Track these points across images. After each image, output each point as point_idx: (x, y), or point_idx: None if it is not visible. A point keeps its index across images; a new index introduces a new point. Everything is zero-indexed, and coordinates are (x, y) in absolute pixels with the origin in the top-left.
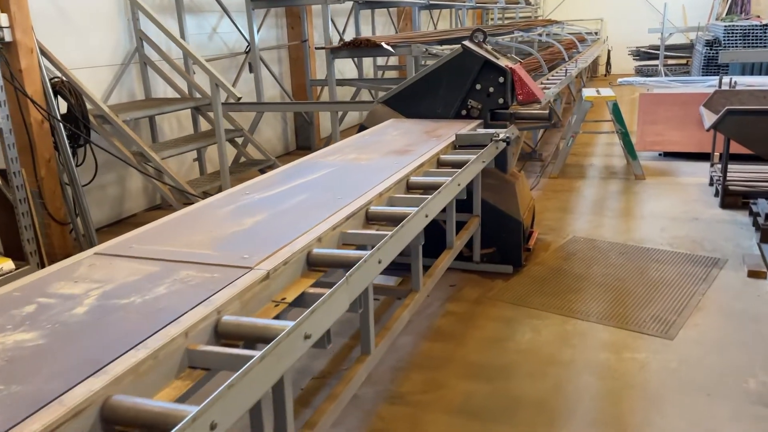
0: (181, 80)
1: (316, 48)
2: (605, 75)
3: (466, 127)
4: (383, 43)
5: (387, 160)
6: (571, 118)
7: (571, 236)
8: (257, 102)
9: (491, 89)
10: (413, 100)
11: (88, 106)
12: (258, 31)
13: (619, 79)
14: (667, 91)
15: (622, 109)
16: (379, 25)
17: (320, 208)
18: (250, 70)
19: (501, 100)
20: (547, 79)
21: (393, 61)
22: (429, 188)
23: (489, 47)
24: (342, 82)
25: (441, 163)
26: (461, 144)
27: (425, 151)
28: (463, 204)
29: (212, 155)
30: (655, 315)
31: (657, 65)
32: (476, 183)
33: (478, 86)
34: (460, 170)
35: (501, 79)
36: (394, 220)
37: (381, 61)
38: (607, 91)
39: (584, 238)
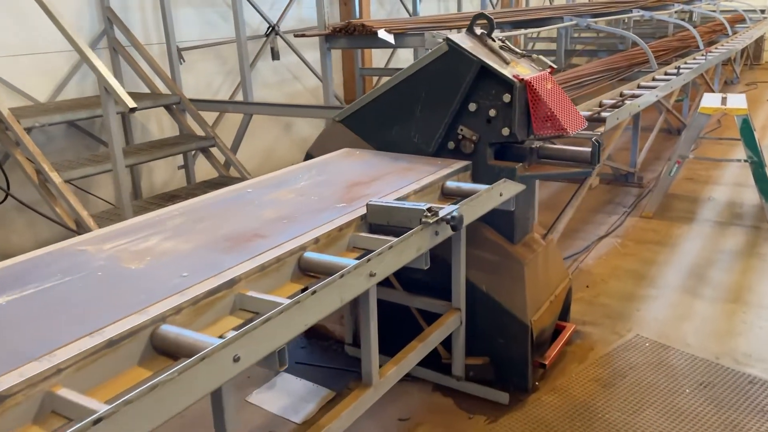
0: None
1: (295, 35)
2: None
3: (441, 171)
4: (381, 30)
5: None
6: (683, 135)
7: (633, 334)
8: (212, 100)
9: (492, 112)
10: (381, 123)
11: None
12: (286, 8)
13: None
14: None
15: None
16: (467, 2)
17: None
18: (274, 57)
19: (506, 131)
20: (665, 73)
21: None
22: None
23: (500, 43)
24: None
25: (302, 268)
26: (374, 221)
27: (320, 223)
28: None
29: (202, 164)
30: None
31: None
32: (456, 257)
33: (472, 106)
34: (322, 282)
35: (506, 97)
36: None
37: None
38: (737, 100)
39: (652, 342)
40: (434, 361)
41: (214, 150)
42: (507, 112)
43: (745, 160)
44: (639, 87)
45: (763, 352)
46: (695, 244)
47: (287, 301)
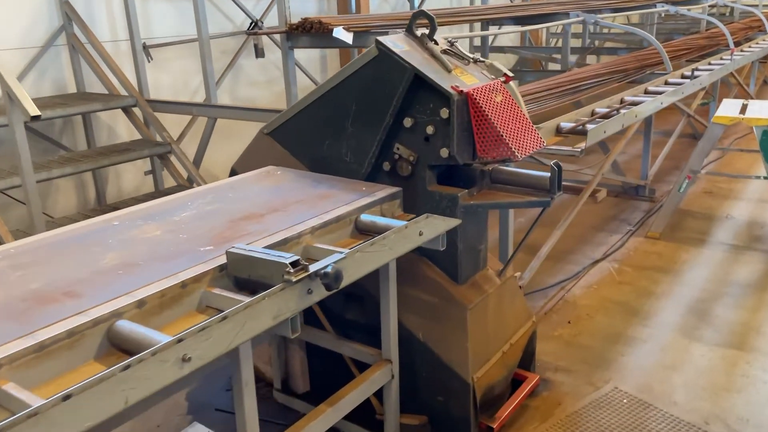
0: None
1: (248, 33)
2: None
3: (361, 200)
4: (339, 29)
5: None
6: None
7: (611, 387)
8: (173, 101)
9: (430, 129)
10: (311, 137)
11: None
12: (271, 3)
13: None
14: None
15: None
16: None
17: None
18: (257, 54)
19: (445, 152)
20: (681, 76)
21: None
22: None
23: (446, 46)
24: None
25: (113, 341)
26: (237, 273)
27: (160, 276)
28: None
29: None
30: None
31: None
32: (386, 301)
33: (407, 121)
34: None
35: (444, 112)
36: None
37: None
38: (760, 107)
39: (631, 398)
40: (367, 416)
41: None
42: (446, 130)
43: (765, 177)
44: (646, 92)
45: (763, 417)
46: (703, 272)
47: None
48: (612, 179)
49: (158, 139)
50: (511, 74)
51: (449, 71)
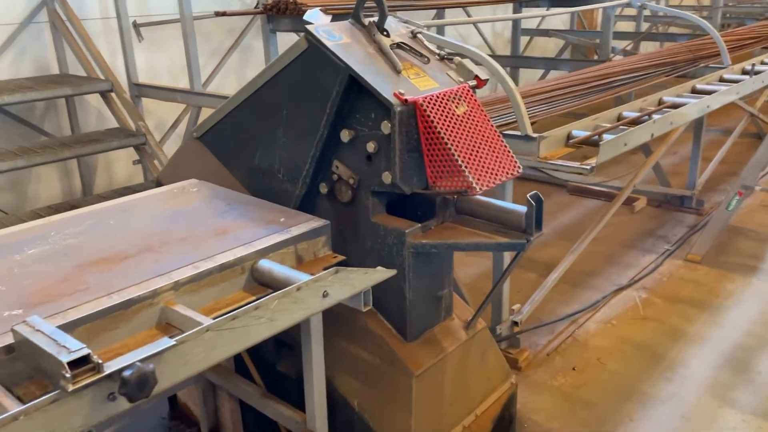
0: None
1: (216, 14)
2: None
3: (268, 239)
4: (314, 11)
5: None
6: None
7: None
8: (157, 86)
9: (371, 146)
10: (242, 146)
11: None
12: None
13: None
14: None
15: None
16: None
17: None
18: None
19: (387, 177)
20: (742, 71)
21: None
22: None
23: (401, 40)
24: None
25: None
26: (23, 361)
27: None
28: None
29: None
30: None
31: None
32: (308, 360)
33: (345, 134)
34: None
35: (385, 126)
36: None
37: None
38: None
39: None
40: None
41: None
42: (388, 149)
43: None
44: (693, 91)
45: None
46: (749, 309)
47: None
48: (653, 186)
49: (134, 128)
50: (484, 77)
51: (398, 72)
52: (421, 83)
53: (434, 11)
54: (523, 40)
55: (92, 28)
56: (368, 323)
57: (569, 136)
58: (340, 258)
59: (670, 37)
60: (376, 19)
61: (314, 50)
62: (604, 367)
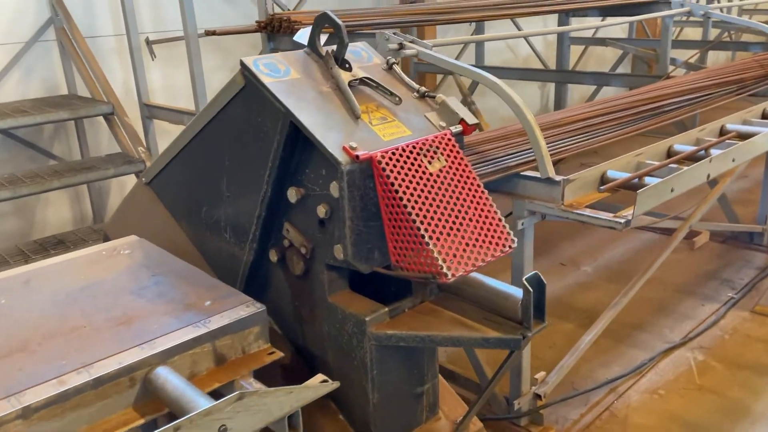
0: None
1: (207, 33)
2: None
3: (182, 334)
4: (305, 30)
5: None
6: None
7: None
8: (169, 108)
9: (322, 210)
10: (188, 197)
11: None
12: None
13: None
14: None
15: None
16: None
17: None
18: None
19: (339, 251)
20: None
21: None
22: None
23: (365, 75)
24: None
25: None
26: None
27: None
28: None
29: None
30: None
31: None
32: None
33: (293, 194)
34: None
35: (333, 188)
36: None
37: None
38: None
39: None
40: None
41: None
42: (338, 214)
43: None
44: (765, 116)
45: None
46: None
47: None
48: (717, 219)
49: (135, 154)
50: (473, 121)
51: (357, 117)
52: (387, 131)
53: (473, 25)
54: (577, 49)
55: (105, 45)
56: (325, 428)
57: (603, 179)
58: (277, 355)
59: (741, 46)
60: (330, 49)
61: (251, 89)
62: None
